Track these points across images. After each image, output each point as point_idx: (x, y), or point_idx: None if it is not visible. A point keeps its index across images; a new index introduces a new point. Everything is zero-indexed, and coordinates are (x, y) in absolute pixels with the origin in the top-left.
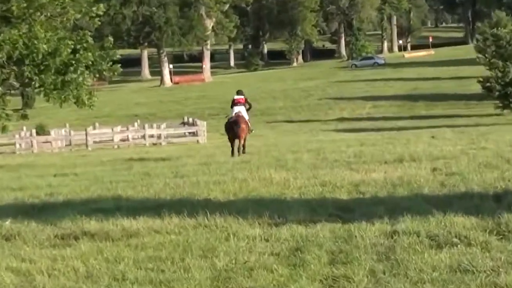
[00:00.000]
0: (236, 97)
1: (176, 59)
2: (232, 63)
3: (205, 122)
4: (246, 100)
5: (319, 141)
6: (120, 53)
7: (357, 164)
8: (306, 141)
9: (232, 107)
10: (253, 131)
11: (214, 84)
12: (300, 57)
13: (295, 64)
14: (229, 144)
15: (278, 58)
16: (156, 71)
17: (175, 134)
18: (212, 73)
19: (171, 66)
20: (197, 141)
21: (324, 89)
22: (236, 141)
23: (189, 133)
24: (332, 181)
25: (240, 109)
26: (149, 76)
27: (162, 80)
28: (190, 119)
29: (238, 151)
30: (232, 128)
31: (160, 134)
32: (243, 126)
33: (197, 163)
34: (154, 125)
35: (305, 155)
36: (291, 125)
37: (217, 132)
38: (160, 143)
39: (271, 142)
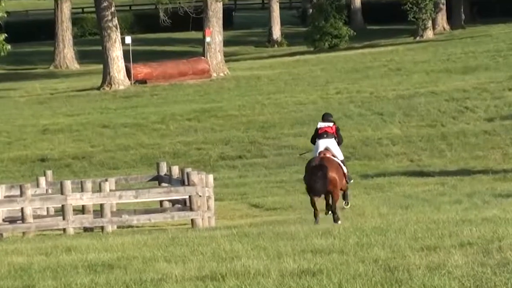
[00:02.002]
0: (321, 124)
1: (141, 23)
2: (276, 33)
3: (210, 177)
4: (337, 130)
5: (490, 221)
6: (8, 8)
7: None
8: (456, 222)
9: (314, 140)
10: (352, 181)
11: (233, 83)
12: (441, 19)
13: (429, 33)
14: (309, 199)
15: (385, 21)
16: (94, 52)
17: (138, 205)
18: (228, 57)
19: (128, 39)
20: (192, 222)
21: (501, 95)
22: (319, 199)
23: (173, 202)
24: None
25: (328, 145)
26: (76, 65)
27: (107, 75)
28: (175, 169)
29: (331, 210)
30: (314, 176)
31: (102, 206)
32: (333, 174)
33: (192, 277)
34: (88, 183)
35: (456, 254)
36: (421, 182)
37: (240, 200)
38: (102, 228)
39: (375, 223)
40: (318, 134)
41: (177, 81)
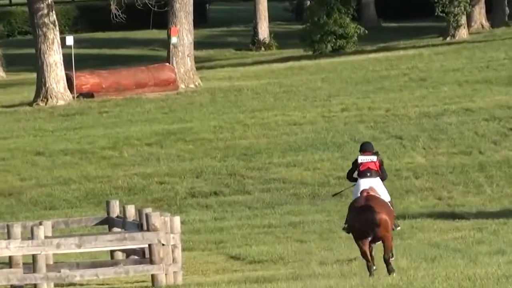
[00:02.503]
0: (361, 159)
1: (87, 19)
2: (263, 32)
3: (177, 219)
4: (380, 164)
5: None
6: None
7: None
8: (498, 278)
9: (351, 176)
10: (399, 228)
11: (207, 97)
12: (479, 14)
13: (463, 33)
14: (356, 246)
15: (406, 16)
16: (26, 56)
17: (82, 256)
18: (201, 64)
19: (70, 40)
20: (153, 278)
21: None
22: (368, 244)
23: (127, 253)
24: None
25: (373, 185)
26: (2, 73)
27: (43, 87)
28: (130, 209)
29: (388, 263)
30: (362, 218)
31: (35, 257)
32: (383, 216)
33: None
34: (17, 228)
35: None
36: (453, 227)
37: (215, 250)
38: (35, 286)
39: (391, 280)
40: (359, 172)
41: (133, 94)
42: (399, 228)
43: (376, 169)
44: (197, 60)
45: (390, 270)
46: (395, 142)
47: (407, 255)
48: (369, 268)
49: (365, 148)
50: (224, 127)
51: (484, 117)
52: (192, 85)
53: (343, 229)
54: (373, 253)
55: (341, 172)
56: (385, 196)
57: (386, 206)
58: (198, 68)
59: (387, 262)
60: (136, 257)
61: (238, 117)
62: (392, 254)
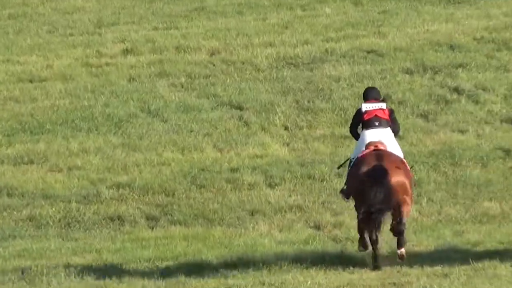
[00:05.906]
0: (366, 106)
1: None
2: None
3: None
4: (390, 113)
5: None
6: None
7: None
8: None
9: (356, 130)
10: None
11: None
12: None
13: None
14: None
15: None
16: None
17: None
18: None
19: None
20: None
21: None
22: (373, 225)
23: None
24: None
25: (382, 137)
26: None
27: None
28: None
29: (396, 231)
30: (369, 188)
31: None
32: (400, 177)
33: None
34: None
35: None
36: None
37: None
38: None
39: None
40: (364, 122)
41: None
42: (415, 186)
43: (386, 118)
44: None
45: (400, 243)
46: (229, 114)
47: None
48: (364, 244)
49: (370, 96)
50: None
51: (402, 66)
52: None
53: (341, 192)
54: (380, 231)
55: (123, 176)
56: (398, 152)
57: (401, 164)
58: None
59: (399, 231)
60: None
61: None
62: (402, 226)
